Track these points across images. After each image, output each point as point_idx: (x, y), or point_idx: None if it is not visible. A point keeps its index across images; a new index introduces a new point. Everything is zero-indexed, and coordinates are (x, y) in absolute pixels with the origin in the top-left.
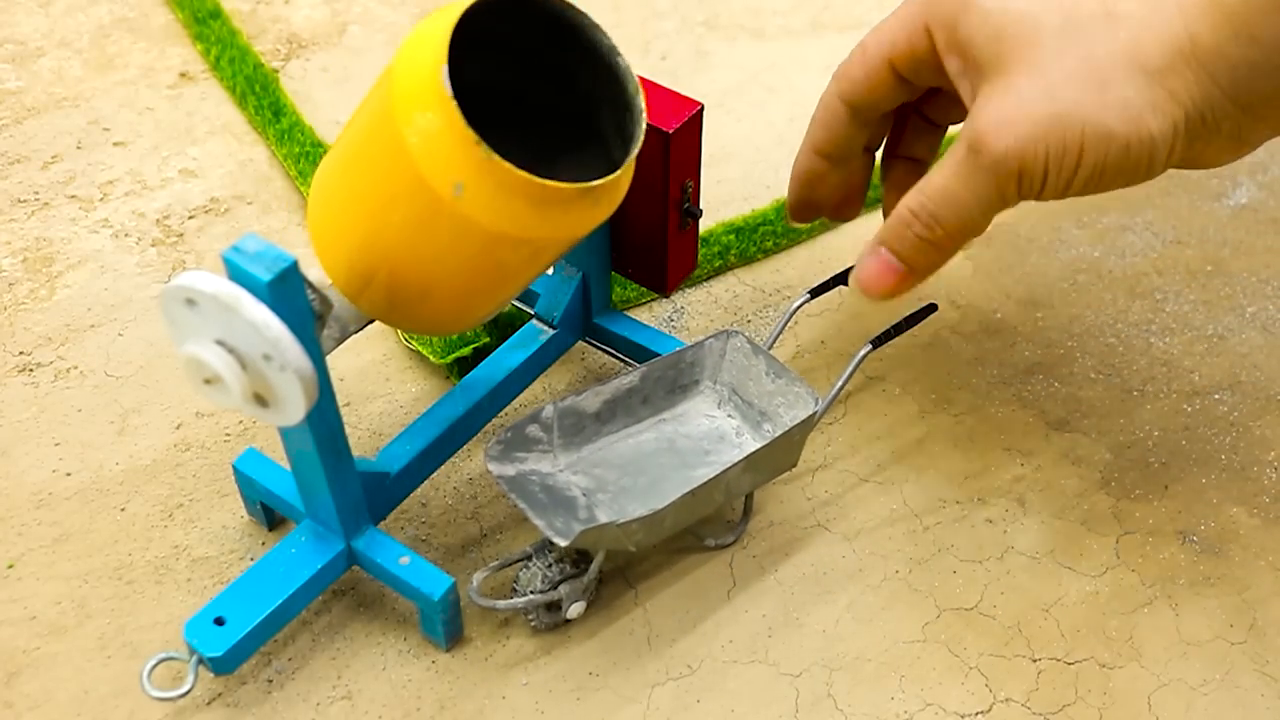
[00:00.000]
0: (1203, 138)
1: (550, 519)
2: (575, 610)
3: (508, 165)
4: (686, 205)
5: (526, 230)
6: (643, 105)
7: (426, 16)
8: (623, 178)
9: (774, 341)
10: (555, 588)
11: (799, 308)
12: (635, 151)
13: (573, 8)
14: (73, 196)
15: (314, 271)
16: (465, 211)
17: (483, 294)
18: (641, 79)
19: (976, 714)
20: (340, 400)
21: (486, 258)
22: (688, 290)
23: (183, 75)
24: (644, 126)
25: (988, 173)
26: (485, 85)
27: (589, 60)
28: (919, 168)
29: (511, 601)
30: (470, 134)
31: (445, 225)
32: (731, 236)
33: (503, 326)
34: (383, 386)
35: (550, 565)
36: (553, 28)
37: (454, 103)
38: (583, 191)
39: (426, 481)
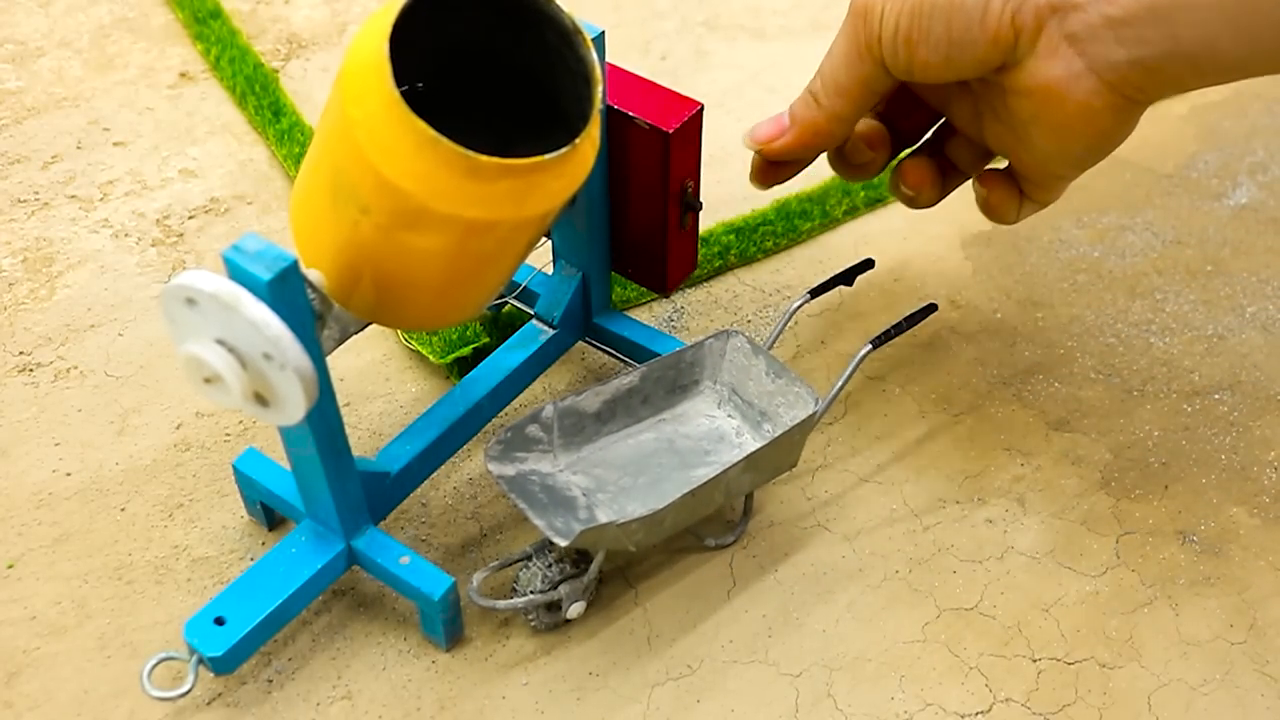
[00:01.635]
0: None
1: (550, 519)
2: (575, 610)
3: (458, 147)
4: (687, 198)
5: (490, 212)
6: (598, 73)
7: (368, 16)
8: (580, 148)
9: (774, 341)
10: (555, 588)
11: (799, 308)
12: (594, 115)
13: None
14: (73, 196)
15: (314, 271)
16: (427, 204)
17: (467, 285)
18: (641, 79)
19: (976, 714)
20: (340, 400)
21: (461, 246)
22: (688, 290)
23: (183, 75)
24: (600, 92)
25: (848, 21)
26: (455, 94)
27: (546, 39)
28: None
29: (511, 601)
30: (416, 120)
31: (412, 219)
32: (731, 236)
33: (503, 326)
34: (383, 386)
35: (550, 565)
36: (502, 11)
37: (395, 90)
38: (536, 165)
39: (426, 481)
